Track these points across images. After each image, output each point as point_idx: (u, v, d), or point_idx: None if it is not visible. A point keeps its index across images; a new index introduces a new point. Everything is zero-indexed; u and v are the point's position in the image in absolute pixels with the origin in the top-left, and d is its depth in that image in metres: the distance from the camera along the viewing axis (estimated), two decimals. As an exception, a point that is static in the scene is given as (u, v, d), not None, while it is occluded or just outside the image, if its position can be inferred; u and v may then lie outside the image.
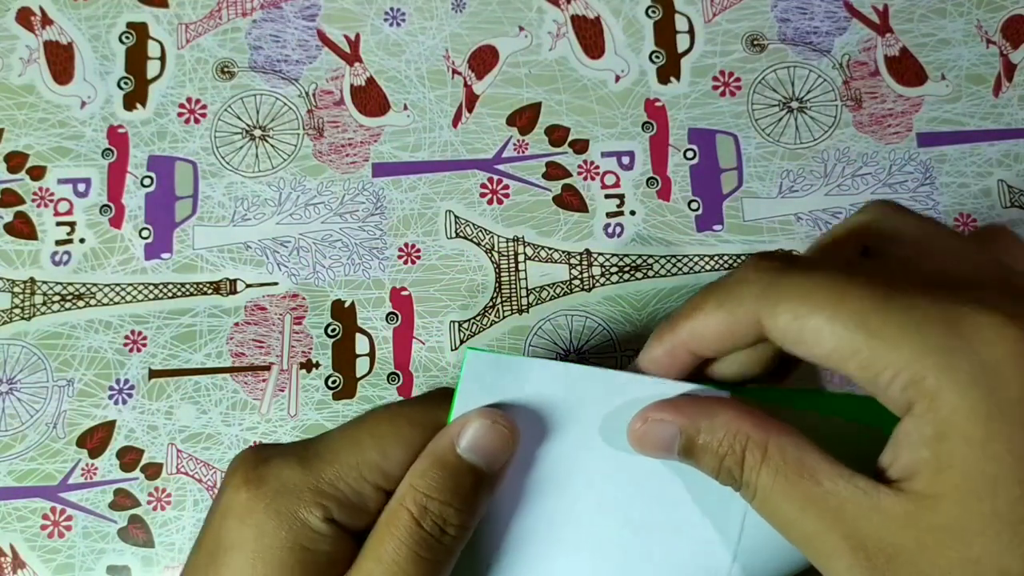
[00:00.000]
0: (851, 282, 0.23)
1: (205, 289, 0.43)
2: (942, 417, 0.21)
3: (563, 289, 0.43)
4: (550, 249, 0.44)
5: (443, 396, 0.29)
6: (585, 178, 0.44)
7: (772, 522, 0.24)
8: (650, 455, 0.27)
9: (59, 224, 0.44)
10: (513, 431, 0.27)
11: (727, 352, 0.26)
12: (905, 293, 0.22)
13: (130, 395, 0.42)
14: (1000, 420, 0.21)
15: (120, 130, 0.45)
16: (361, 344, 0.42)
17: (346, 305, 0.43)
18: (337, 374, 0.42)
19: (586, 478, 0.28)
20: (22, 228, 0.44)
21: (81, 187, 0.44)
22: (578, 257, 0.44)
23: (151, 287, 0.43)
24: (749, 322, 0.24)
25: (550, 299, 0.43)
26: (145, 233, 0.44)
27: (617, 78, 0.46)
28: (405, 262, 0.43)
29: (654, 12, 0.47)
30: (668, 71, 0.46)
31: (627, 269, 0.43)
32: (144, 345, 0.42)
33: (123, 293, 0.43)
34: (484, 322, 0.43)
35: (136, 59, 0.46)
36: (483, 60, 0.46)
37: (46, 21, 0.46)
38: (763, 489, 0.24)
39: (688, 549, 0.27)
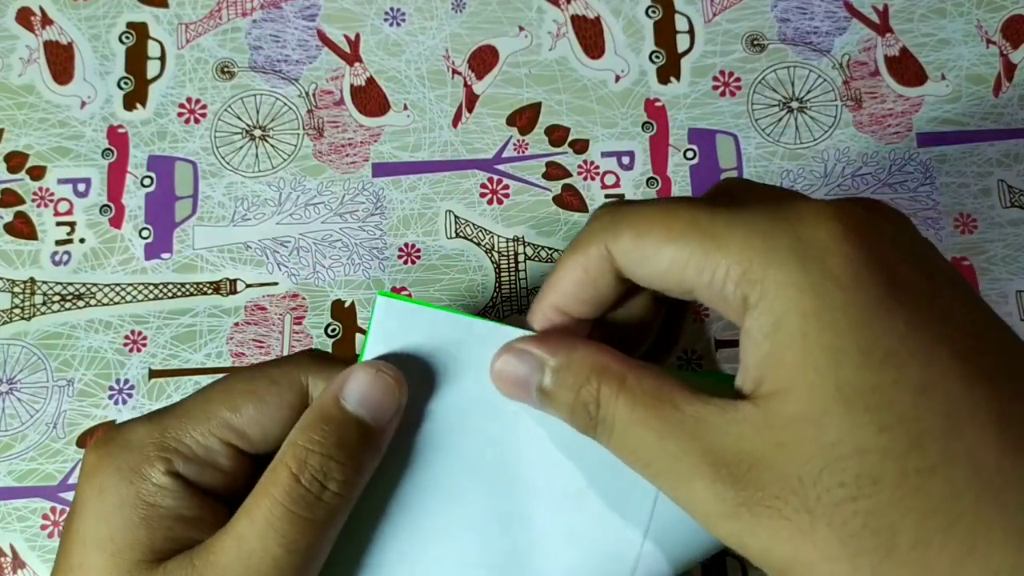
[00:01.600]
0: (687, 199, 0.23)
1: (205, 289, 0.43)
2: (772, 299, 0.21)
3: (563, 289, 0.43)
4: (550, 249, 0.44)
5: (307, 356, 0.29)
6: (585, 178, 0.44)
7: (630, 459, 0.23)
8: (509, 395, 0.26)
9: (59, 224, 0.44)
10: (399, 381, 0.26)
11: (593, 304, 0.26)
12: (738, 203, 0.23)
13: (130, 395, 0.42)
14: (828, 286, 0.20)
15: (120, 130, 0.45)
16: (361, 344, 0.42)
17: (346, 305, 0.43)
18: (337, 374, 0.42)
19: (493, 442, 0.27)
20: (22, 228, 0.44)
21: (81, 187, 0.44)
22: (578, 257, 0.44)
23: (151, 287, 0.43)
24: (600, 255, 0.24)
25: (550, 299, 0.43)
26: (145, 233, 0.44)
27: (617, 78, 0.46)
28: (405, 262, 0.43)
29: (654, 12, 0.47)
30: (668, 71, 0.46)
31: (627, 269, 0.43)
32: (144, 345, 0.42)
33: (123, 293, 0.43)
34: (484, 322, 0.43)
35: (136, 59, 0.46)
36: (483, 60, 0.46)
37: (46, 21, 0.46)
38: (621, 421, 0.23)
39: (597, 527, 0.26)
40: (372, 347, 0.27)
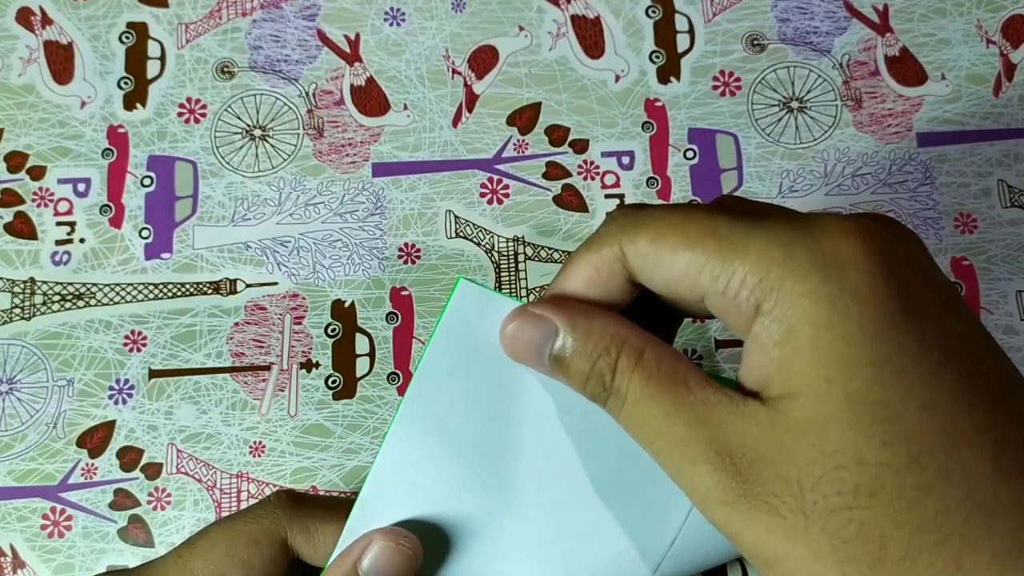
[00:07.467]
0: (704, 208, 0.24)
1: (205, 289, 0.43)
2: (787, 308, 0.21)
3: (563, 289, 0.43)
4: (550, 249, 0.44)
5: (280, 503, 0.29)
6: (585, 178, 0.44)
7: (637, 434, 0.24)
8: (519, 359, 0.26)
9: (59, 224, 0.44)
10: (416, 552, 0.26)
11: (601, 303, 0.26)
12: (754, 214, 0.23)
13: (130, 395, 0.42)
14: (846, 299, 0.21)
15: (120, 130, 0.45)
16: (361, 344, 0.43)
17: (346, 305, 0.43)
18: (337, 374, 0.42)
19: (548, 429, 0.27)
20: (22, 228, 0.44)
21: (81, 187, 0.44)
22: (578, 257, 0.44)
23: (151, 287, 0.43)
24: (613, 257, 0.24)
25: (550, 299, 0.43)
26: (145, 233, 0.44)
27: (617, 78, 0.46)
28: (405, 262, 0.43)
29: (654, 12, 0.47)
30: (668, 71, 0.46)
31: (627, 269, 0.43)
32: (144, 345, 0.42)
33: (123, 293, 0.43)
34: (484, 322, 0.43)
35: (136, 59, 0.46)
36: (483, 60, 0.46)
37: (46, 21, 0.46)
38: (633, 394, 0.23)
39: (631, 522, 0.27)
40: (446, 329, 0.27)
